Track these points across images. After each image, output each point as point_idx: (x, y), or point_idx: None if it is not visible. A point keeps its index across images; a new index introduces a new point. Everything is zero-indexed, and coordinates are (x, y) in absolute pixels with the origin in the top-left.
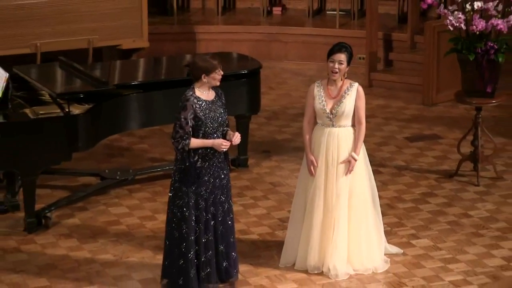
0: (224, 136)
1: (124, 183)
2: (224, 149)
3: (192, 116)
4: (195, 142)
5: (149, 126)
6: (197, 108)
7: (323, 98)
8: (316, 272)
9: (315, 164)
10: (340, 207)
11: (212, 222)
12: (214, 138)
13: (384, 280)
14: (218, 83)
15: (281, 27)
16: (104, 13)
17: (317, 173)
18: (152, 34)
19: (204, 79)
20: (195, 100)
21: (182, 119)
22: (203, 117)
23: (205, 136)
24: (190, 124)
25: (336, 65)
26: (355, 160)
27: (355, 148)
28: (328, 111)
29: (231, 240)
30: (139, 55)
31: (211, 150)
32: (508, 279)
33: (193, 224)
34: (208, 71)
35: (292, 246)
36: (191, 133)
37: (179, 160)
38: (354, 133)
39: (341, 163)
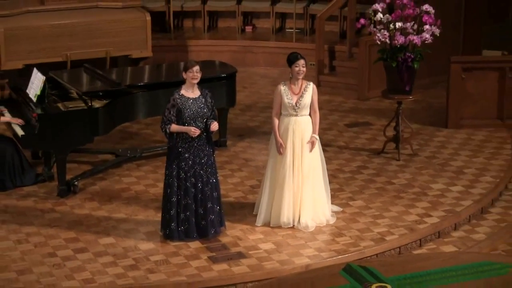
0: (206, 126)
1: (133, 159)
2: (193, 135)
3: (175, 108)
4: (174, 127)
5: (152, 116)
6: (178, 102)
7: (289, 95)
8: (288, 227)
9: (283, 145)
10: (307, 177)
11: (193, 189)
12: (191, 126)
13: (329, 232)
14: (194, 80)
15: (252, 41)
16: (118, 31)
17: (285, 153)
18: (155, 46)
19: (184, 75)
20: (177, 96)
21: (166, 110)
22: (182, 109)
23: (184, 124)
24: (171, 113)
25: (301, 68)
26: (316, 140)
27: (314, 131)
28: (294, 104)
29: (209, 205)
30: (145, 63)
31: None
32: (421, 230)
33: (176, 189)
34: (185, 69)
35: (267, 210)
36: (173, 120)
37: (168, 141)
38: (311, 120)
39: (307, 143)
